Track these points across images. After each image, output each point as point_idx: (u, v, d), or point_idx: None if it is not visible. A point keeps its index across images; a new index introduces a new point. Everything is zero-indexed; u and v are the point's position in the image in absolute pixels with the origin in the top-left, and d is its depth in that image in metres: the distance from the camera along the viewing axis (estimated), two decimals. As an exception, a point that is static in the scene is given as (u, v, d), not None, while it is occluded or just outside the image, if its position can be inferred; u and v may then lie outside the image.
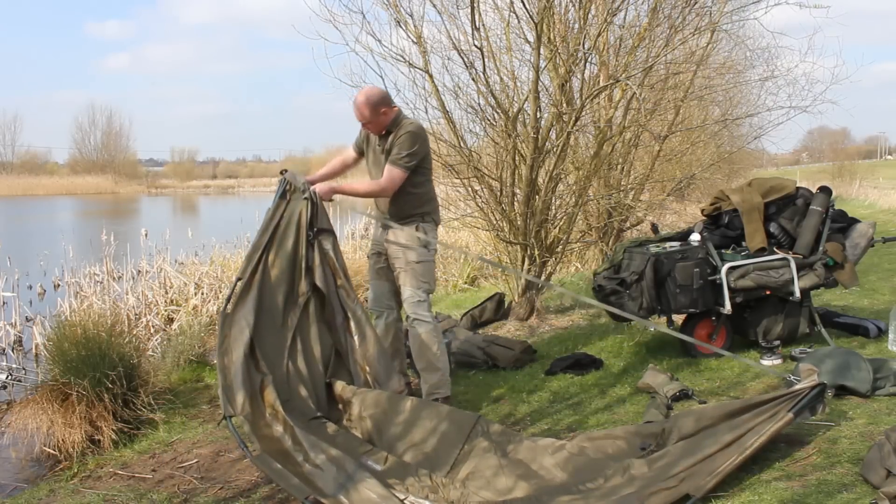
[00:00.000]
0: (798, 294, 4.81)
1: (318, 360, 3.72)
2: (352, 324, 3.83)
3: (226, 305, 3.52)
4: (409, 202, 4.06)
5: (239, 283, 3.55)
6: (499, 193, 6.20)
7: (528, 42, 6.16)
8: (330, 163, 4.42)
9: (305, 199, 3.73)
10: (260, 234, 3.68)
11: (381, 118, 3.99)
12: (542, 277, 6.61)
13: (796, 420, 3.14)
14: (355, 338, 3.83)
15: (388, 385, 3.74)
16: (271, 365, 3.49)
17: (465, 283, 9.46)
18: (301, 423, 3.31)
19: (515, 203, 6.14)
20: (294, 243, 3.72)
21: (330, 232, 3.85)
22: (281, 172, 3.85)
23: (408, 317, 4.11)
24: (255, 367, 3.43)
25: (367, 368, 3.79)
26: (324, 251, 3.78)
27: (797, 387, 3.21)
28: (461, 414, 3.56)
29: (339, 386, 3.66)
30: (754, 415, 3.15)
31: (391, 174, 3.94)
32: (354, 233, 14.89)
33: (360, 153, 4.33)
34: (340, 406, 3.63)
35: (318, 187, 3.86)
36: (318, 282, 3.74)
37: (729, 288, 4.78)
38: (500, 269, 7.38)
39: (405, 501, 2.92)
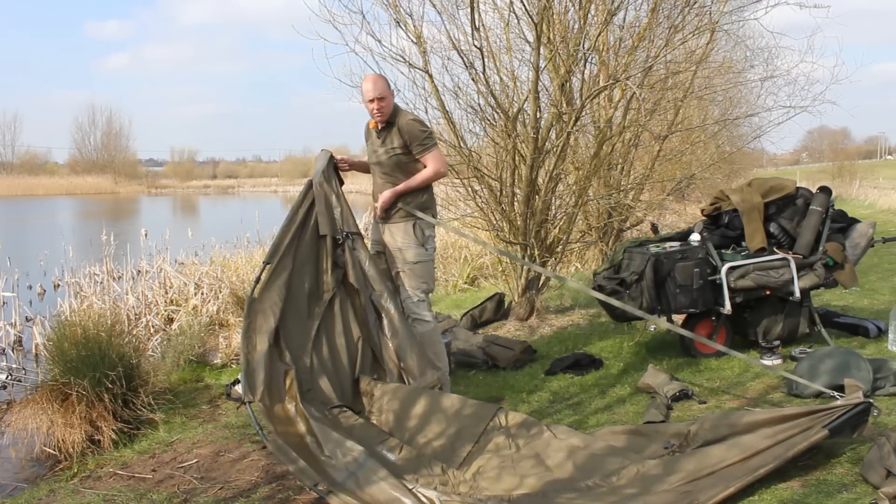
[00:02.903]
0: (798, 294, 4.81)
1: (343, 353, 3.77)
2: (385, 322, 3.88)
3: (253, 290, 3.56)
4: (406, 200, 4.06)
5: (267, 268, 3.59)
6: (499, 193, 6.20)
7: (528, 42, 6.16)
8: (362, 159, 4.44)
9: (311, 184, 3.83)
10: (289, 219, 3.76)
11: (391, 97, 4.05)
12: (543, 278, 6.61)
13: (833, 437, 3.01)
14: (388, 335, 3.87)
15: (422, 380, 3.77)
16: (295, 356, 3.54)
17: (465, 283, 9.46)
18: (318, 416, 3.34)
19: (515, 203, 6.14)
20: (315, 233, 3.80)
21: (359, 234, 3.94)
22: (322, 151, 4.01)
23: (408, 316, 4.12)
24: (278, 357, 3.48)
25: (401, 364, 3.82)
26: (355, 254, 3.86)
27: (839, 402, 3.11)
28: (480, 406, 3.54)
29: (364, 381, 3.71)
30: (786, 428, 3.04)
31: (433, 156, 4.04)
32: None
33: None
34: (364, 400, 3.67)
35: (383, 196, 4.03)
36: (353, 281, 3.82)
37: (729, 288, 4.78)
38: (499, 270, 7.39)
39: (413, 491, 2.92)
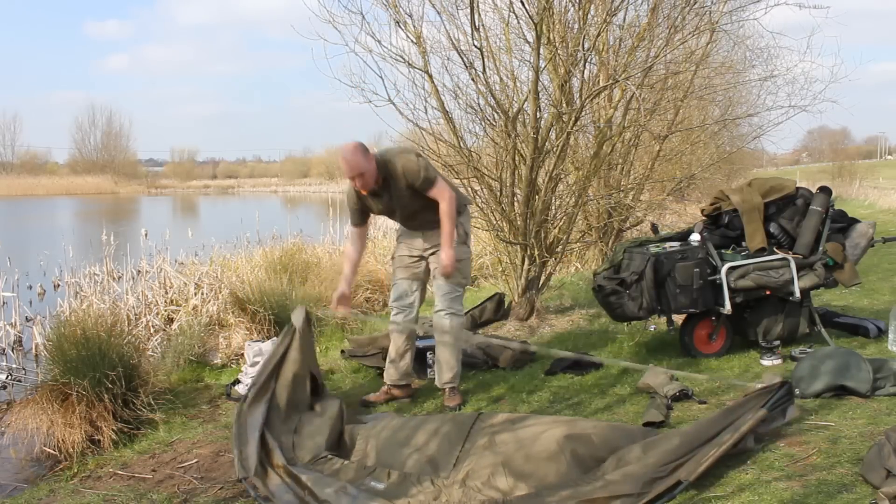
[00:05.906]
0: (798, 294, 4.81)
1: (323, 429, 3.75)
2: None
3: (243, 402, 3.70)
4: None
5: (253, 389, 3.74)
6: (499, 194, 6.20)
7: (528, 42, 6.16)
8: (347, 258, 4.34)
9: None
10: (270, 357, 3.92)
11: (371, 163, 3.96)
12: (543, 278, 6.61)
13: (771, 418, 3.26)
14: None
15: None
16: (278, 439, 3.57)
17: (465, 283, 9.44)
18: (304, 466, 3.36)
19: (515, 203, 6.14)
20: (299, 377, 3.87)
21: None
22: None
23: (438, 311, 4.22)
24: (262, 447, 3.50)
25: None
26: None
27: (761, 385, 3.35)
28: (461, 415, 3.60)
29: (347, 429, 3.72)
30: (730, 411, 3.27)
31: (440, 188, 4.02)
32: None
33: (365, 214, 4.29)
34: (348, 445, 3.66)
35: (442, 261, 4.06)
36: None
37: (729, 288, 4.78)
38: (499, 271, 7.38)
39: None
